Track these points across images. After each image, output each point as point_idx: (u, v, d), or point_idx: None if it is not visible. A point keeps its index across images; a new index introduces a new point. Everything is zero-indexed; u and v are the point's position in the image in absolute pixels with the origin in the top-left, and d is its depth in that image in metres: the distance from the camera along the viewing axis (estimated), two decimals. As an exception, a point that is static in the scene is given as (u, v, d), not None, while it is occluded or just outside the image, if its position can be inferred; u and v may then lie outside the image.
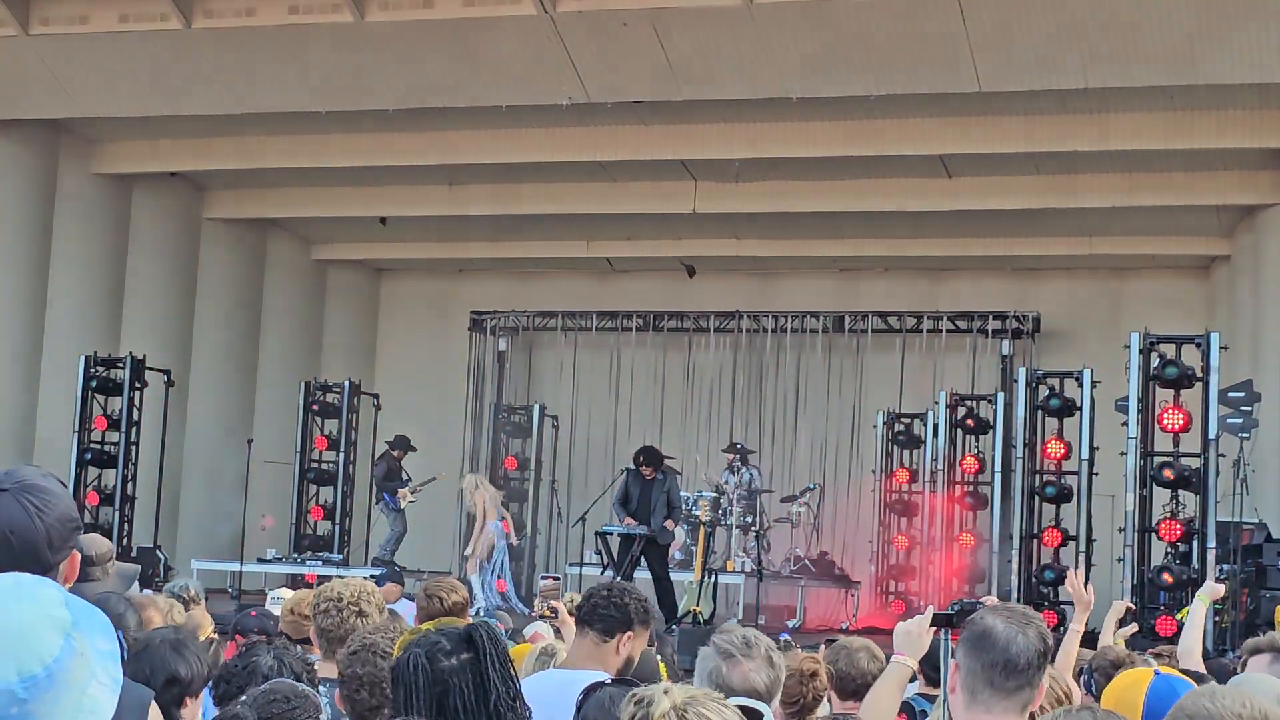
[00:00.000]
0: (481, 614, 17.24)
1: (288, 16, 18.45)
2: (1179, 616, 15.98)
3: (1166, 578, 17.40)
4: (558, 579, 8.33)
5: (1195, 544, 17.59)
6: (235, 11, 18.62)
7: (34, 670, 2.47)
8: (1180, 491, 17.80)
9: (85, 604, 2.68)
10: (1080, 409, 18.81)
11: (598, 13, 17.55)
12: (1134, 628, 8.98)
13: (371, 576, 12.61)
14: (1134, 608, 8.74)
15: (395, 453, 23.86)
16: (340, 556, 24.23)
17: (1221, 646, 15.92)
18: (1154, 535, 17.82)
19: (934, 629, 5.54)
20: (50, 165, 22.49)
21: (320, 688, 5.42)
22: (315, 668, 5.63)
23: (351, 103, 20.00)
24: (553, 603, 8.24)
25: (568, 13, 17.54)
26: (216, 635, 9.05)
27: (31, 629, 2.50)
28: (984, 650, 4.23)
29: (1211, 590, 8.80)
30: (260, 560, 23.04)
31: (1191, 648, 8.02)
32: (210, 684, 5.37)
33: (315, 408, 25.15)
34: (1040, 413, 19.34)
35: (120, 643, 2.77)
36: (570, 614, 8.34)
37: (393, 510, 23.58)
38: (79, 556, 3.38)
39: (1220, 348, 17.50)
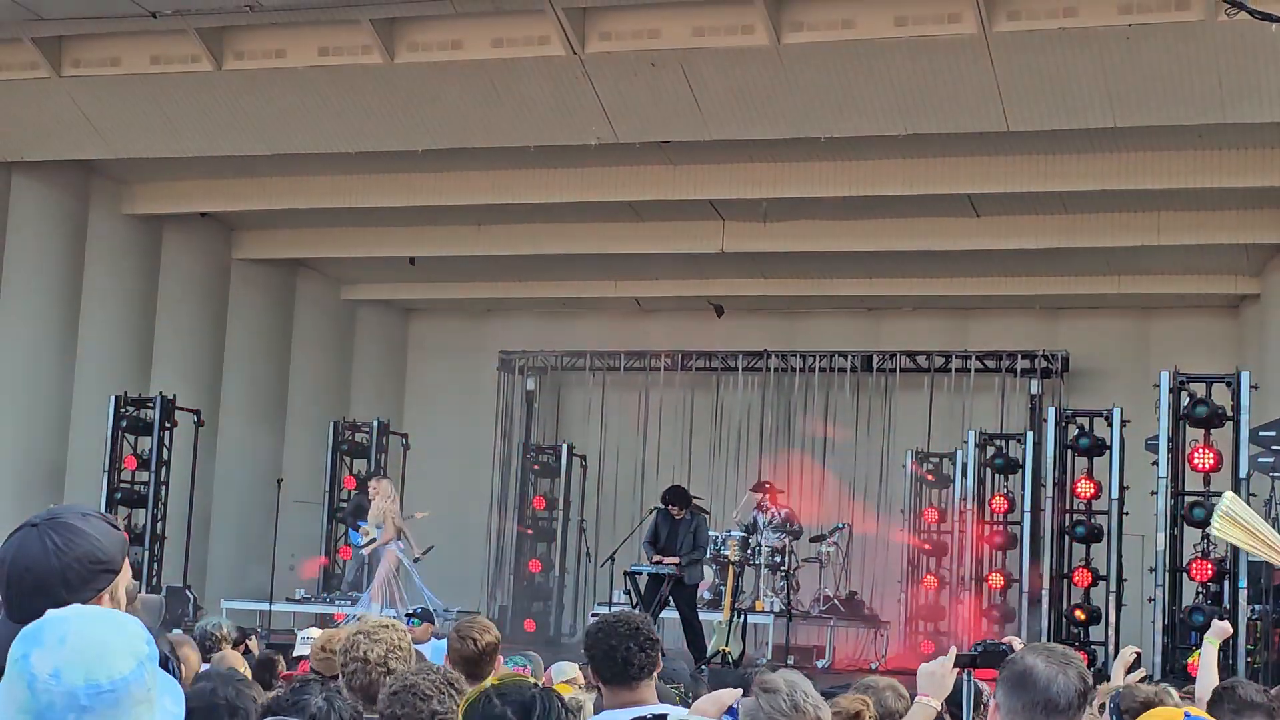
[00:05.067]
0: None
1: (317, 58, 18.56)
2: (1190, 659, 15.86)
3: (1198, 618, 17.30)
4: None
5: (1226, 584, 17.51)
6: (265, 53, 18.73)
7: (100, 681, 2.68)
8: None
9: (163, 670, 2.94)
10: (1110, 448, 18.75)
11: (626, 53, 17.61)
12: (1142, 672, 8.93)
13: (406, 615, 12.60)
14: (1140, 652, 8.66)
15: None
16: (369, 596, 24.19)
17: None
18: (1185, 575, 17.74)
19: (957, 669, 5.53)
20: (81, 206, 22.63)
21: None
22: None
23: (380, 144, 20.09)
24: None
25: (596, 53, 17.61)
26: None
27: (109, 647, 2.73)
28: (1024, 690, 4.22)
29: (1220, 631, 8.54)
30: (289, 600, 23.02)
31: (1207, 685, 7.77)
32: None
33: (345, 447, 25.20)
34: (1070, 452, 19.28)
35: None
36: None
37: (354, 545, 22.99)
38: (117, 600, 3.36)
39: (1250, 386, 17.44)
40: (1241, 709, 6.07)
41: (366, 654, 6.21)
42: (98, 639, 2.73)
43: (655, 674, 5.91)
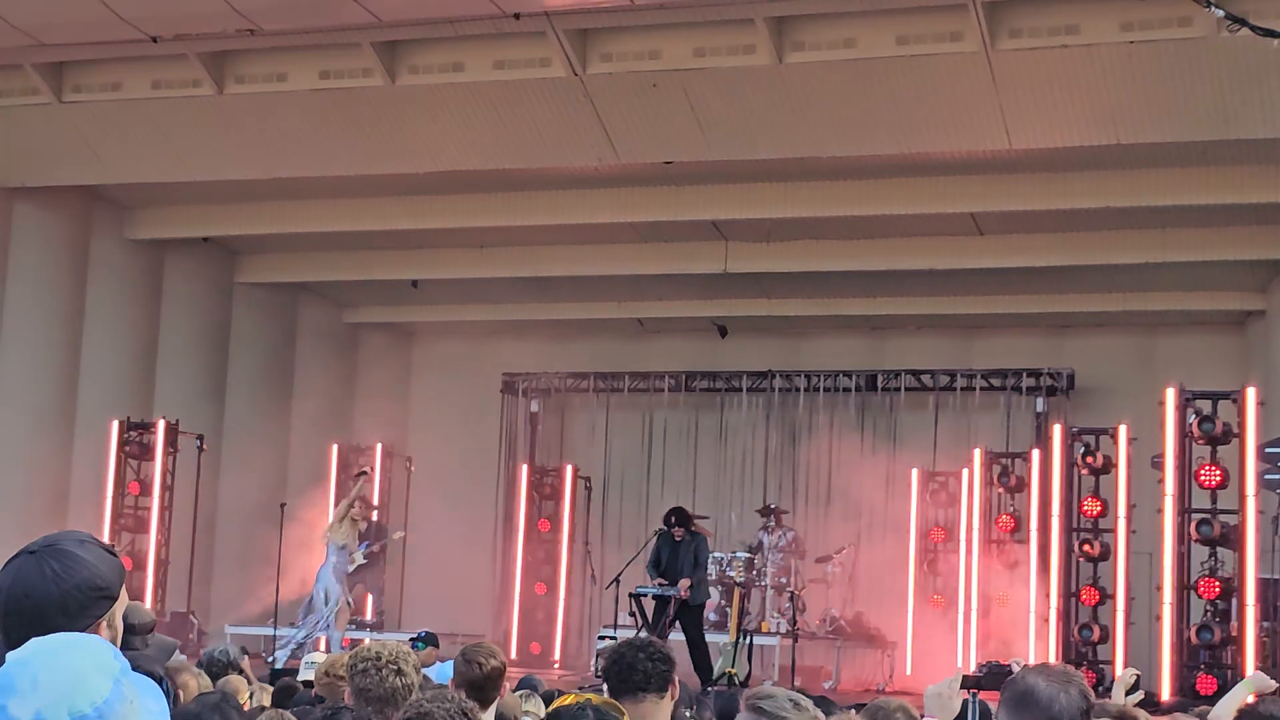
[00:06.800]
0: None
1: (318, 82, 18.58)
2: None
3: (1206, 636, 17.26)
4: (615, 639, 8.07)
5: (1234, 601, 17.46)
6: (266, 77, 18.76)
7: (84, 710, 2.70)
8: (1218, 549, 17.68)
9: (133, 669, 2.93)
10: (1116, 466, 18.71)
11: (628, 74, 17.61)
12: (1141, 694, 8.89)
13: (411, 639, 12.54)
14: (1140, 674, 8.63)
15: None
16: (374, 620, 24.15)
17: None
18: (1192, 593, 17.70)
19: (964, 691, 5.48)
20: (84, 231, 22.62)
21: None
22: None
23: (382, 167, 20.08)
24: None
25: (598, 75, 17.61)
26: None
27: (83, 674, 2.75)
28: (1026, 710, 4.19)
29: (1260, 683, 8.48)
30: (293, 625, 22.92)
31: (1222, 716, 7.77)
32: None
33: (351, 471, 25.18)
34: (1076, 470, 19.25)
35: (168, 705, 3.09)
36: None
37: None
38: (115, 628, 3.32)
39: (1257, 403, 17.40)
40: None
41: (378, 653, 6.26)
42: (69, 670, 2.75)
43: (667, 694, 5.84)
